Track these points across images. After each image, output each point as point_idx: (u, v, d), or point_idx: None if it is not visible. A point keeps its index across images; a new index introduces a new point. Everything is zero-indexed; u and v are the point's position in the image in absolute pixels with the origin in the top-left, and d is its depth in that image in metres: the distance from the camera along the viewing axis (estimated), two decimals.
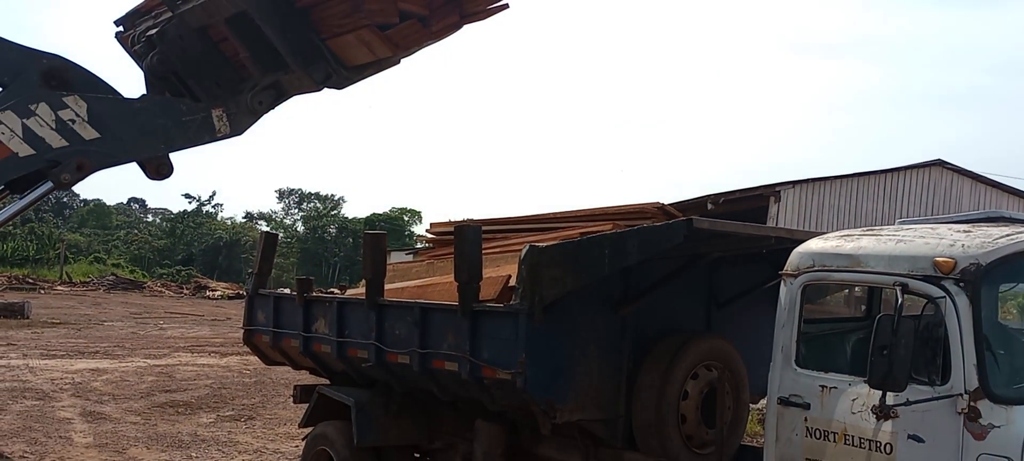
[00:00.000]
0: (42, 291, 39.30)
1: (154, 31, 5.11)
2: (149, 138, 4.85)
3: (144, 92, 5.28)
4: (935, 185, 20.05)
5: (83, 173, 4.68)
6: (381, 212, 64.34)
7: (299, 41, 4.93)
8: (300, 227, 69.35)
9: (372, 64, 5.25)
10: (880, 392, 4.16)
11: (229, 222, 68.74)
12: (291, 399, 8.61)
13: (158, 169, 5.11)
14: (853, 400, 4.42)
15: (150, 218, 76.37)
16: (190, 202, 68.86)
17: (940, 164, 20.30)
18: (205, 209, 69.82)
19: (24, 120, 4.52)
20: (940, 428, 4.13)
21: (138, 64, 5.46)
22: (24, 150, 4.54)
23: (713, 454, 5.72)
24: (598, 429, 5.93)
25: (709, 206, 17.60)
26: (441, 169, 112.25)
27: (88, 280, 46.22)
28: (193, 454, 10.27)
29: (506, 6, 5.45)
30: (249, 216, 71.80)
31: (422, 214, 64.80)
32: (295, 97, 5.35)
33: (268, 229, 57.44)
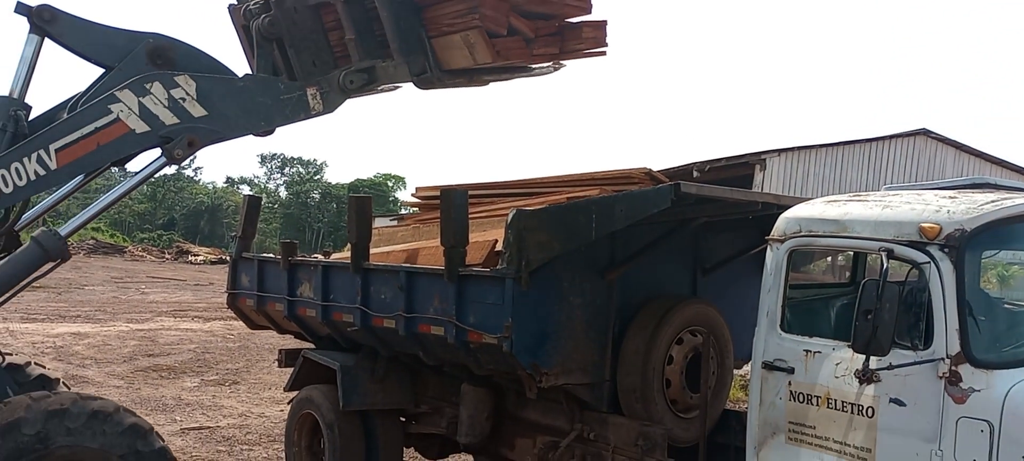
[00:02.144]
0: None
1: None
2: (251, 115, 5.10)
3: (246, 61, 5.66)
4: (919, 154, 20.17)
5: (193, 149, 4.97)
6: (365, 178, 64.08)
7: (407, 31, 5.21)
8: (283, 192, 69.03)
9: (463, 73, 5.51)
10: (863, 356, 4.19)
11: (211, 187, 68.25)
12: (276, 363, 8.61)
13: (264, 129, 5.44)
14: (837, 364, 4.46)
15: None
16: (171, 166, 68.27)
17: (924, 133, 20.41)
18: (186, 173, 69.23)
19: (140, 98, 4.80)
20: (921, 392, 4.18)
21: (242, 40, 5.80)
22: (140, 127, 4.83)
23: (697, 418, 5.76)
24: (583, 393, 5.96)
25: (694, 173, 17.63)
26: (426, 134, 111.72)
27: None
28: (177, 417, 10.27)
29: (604, 53, 5.72)
30: (231, 181, 71.33)
31: (406, 180, 64.66)
32: (383, 88, 5.62)
33: (251, 193, 56.99)
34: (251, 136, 5.35)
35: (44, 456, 4.54)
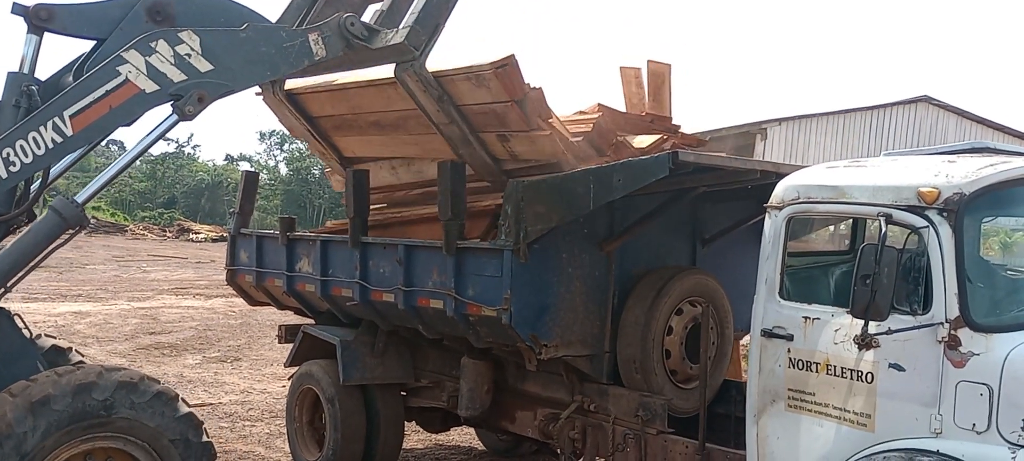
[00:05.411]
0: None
1: None
2: (255, 66, 5.13)
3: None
4: (921, 121, 20.09)
5: (203, 104, 4.96)
6: None
7: (431, 9, 5.41)
8: (283, 169, 68.87)
9: (436, 89, 5.72)
10: (862, 322, 4.18)
11: (211, 165, 68.17)
12: (276, 340, 8.61)
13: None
14: (836, 331, 4.45)
15: None
16: (169, 144, 67.99)
17: (926, 100, 20.31)
18: (185, 151, 69.08)
19: (147, 58, 4.80)
20: (920, 356, 4.17)
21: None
22: (149, 86, 4.82)
23: (697, 389, 5.76)
24: (583, 365, 5.97)
25: None
26: None
27: None
28: (179, 395, 10.28)
29: None
30: (230, 158, 71.21)
31: None
32: (372, 57, 5.67)
33: (250, 169, 56.82)
34: (257, 86, 5.39)
35: (106, 423, 4.71)
